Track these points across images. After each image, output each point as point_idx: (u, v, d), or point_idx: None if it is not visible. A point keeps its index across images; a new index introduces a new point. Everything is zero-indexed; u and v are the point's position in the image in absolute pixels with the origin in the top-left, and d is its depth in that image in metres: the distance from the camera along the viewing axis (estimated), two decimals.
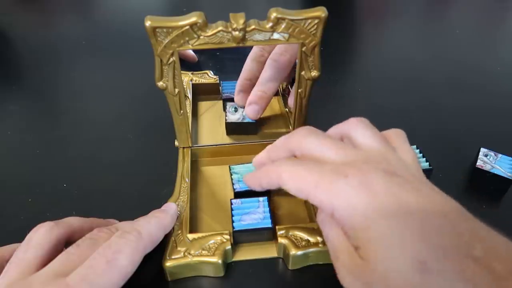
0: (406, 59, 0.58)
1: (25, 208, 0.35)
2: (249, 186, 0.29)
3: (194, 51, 0.54)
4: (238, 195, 0.33)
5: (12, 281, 0.23)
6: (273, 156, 0.28)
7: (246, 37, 0.29)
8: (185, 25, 0.28)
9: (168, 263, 0.28)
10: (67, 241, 0.26)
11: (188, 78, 0.47)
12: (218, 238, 0.30)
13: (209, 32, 0.29)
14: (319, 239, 0.30)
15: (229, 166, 0.35)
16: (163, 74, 0.31)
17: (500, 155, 0.38)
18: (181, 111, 0.35)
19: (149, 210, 0.30)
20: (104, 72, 0.53)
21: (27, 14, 0.70)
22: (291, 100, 0.40)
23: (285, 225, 0.31)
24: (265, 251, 0.31)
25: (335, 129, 0.27)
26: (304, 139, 0.26)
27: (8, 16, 0.68)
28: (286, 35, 0.30)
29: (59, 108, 0.48)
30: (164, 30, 0.28)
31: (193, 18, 0.28)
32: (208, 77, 0.48)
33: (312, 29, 0.30)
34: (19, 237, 0.26)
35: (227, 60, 0.55)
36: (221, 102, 0.44)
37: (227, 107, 0.42)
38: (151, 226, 0.27)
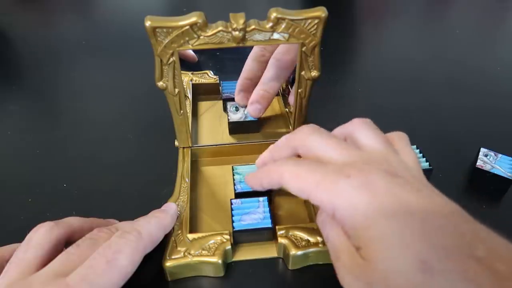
0: (406, 59, 0.58)
1: (25, 208, 0.35)
2: (251, 186, 0.29)
3: (194, 51, 0.54)
4: (239, 196, 0.33)
5: (12, 281, 0.23)
6: (276, 155, 0.28)
7: (246, 37, 0.29)
8: (185, 25, 0.28)
9: (168, 263, 0.28)
10: (67, 241, 0.26)
11: (188, 78, 0.47)
12: (218, 238, 0.30)
13: (209, 32, 0.29)
14: (319, 239, 0.30)
15: (232, 167, 0.35)
16: (163, 74, 0.31)
17: (500, 155, 0.38)
18: (181, 111, 0.35)
19: (149, 210, 0.30)
20: (104, 72, 0.53)
21: (27, 14, 0.70)
22: (291, 100, 0.40)
23: (285, 225, 0.31)
24: (265, 251, 0.31)
25: (339, 130, 0.28)
26: (308, 137, 0.26)
27: (8, 16, 0.68)
28: (286, 35, 0.30)
29: (59, 108, 0.48)
30: (164, 30, 0.28)
31: (193, 18, 0.28)
32: (208, 77, 0.48)
33: (312, 29, 0.30)
34: (19, 237, 0.26)
35: (227, 60, 0.55)
36: (221, 102, 0.45)
37: (228, 106, 0.42)
38: (151, 226, 0.27)
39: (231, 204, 0.32)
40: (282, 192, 0.36)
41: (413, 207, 0.21)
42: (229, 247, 0.29)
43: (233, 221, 0.30)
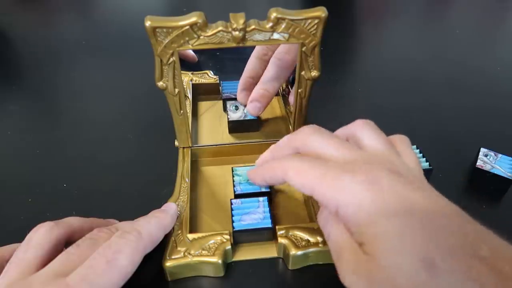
0: (406, 59, 0.58)
1: (25, 208, 0.35)
2: (253, 182, 0.29)
3: (194, 51, 0.54)
4: (239, 197, 0.33)
5: (12, 281, 0.23)
6: (277, 155, 0.28)
7: (246, 37, 0.29)
8: (185, 25, 0.28)
9: (168, 263, 0.28)
10: (67, 241, 0.26)
11: (188, 78, 0.47)
12: (218, 238, 0.30)
13: (209, 32, 0.29)
14: (319, 239, 0.30)
15: (232, 168, 0.35)
16: (163, 74, 0.31)
17: (500, 155, 0.38)
18: (181, 111, 0.35)
19: (149, 210, 0.30)
20: (104, 72, 0.53)
21: (27, 14, 0.70)
22: (291, 100, 0.40)
23: (285, 225, 0.31)
24: (265, 251, 0.31)
25: (341, 131, 0.28)
26: (309, 137, 0.26)
27: (8, 16, 0.68)
28: (286, 35, 0.30)
29: (59, 108, 0.48)
30: (164, 30, 0.28)
31: (193, 18, 0.28)
32: (208, 77, 0.48)
33: (312, 29, 0.30)
34: (19, 237, 0.26)
35: (227, 60, 0.55)
36: (221, 102, 0.45)
37: (228, 106, 0.42)
38: (151, 226, 0.27)
39: (231, 204, 0.32)
40: (282, 192, 0.36)
41: (417, 206, 0.21)
42: (229, 247, 0.29)
43: (233, 221, 0.30)
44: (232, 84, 0.44)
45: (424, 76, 0.53)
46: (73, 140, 0.42)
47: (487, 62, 0.58)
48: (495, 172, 0.36)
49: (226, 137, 0.41)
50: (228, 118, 0.41)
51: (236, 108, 0.41)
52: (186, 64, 0.53)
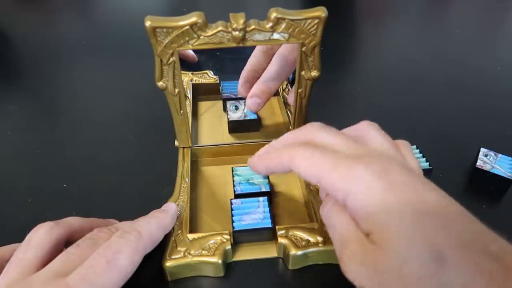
0: (406, 59, 0.58)
1: (25, 208, 0.35)
2: (253, 169, 0.28)
3: (194, 51, 0.54)
4: (239, 197, 0.33)
5: (12, 281, 0.23)
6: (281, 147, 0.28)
7: (246, 37, 0.29)
8: (185, 25, 0.28)
9: (168, 263, 0.28)
10: (67, 241, 0.26)
11: (188, 78, 0.47)
12: (218, 238, 0.30)
13: (209, 32, 0.29)
14: (319, 239, 0.30)
15: (232, 168, 0.35)
16: (163, 74, 0.31)
17: (500, 155, 0.38)
18: (181, 111, 0.35)
19: (149, 210, 0.30)
20: (104, 72, 0.53)
21: (27, 14, 0.70)
22: (291, 100, 0.40)
23: (285, 225, 0.31)
24: (265, 251, 0.31)
25: (346, 131, 0.27)
26: (316, 132, 0.25)
27: (8, 16, 0.68)
28: (286, 35, 0.30)
29: (59, 108, 0.48)
30: (164, 30, 0.28)
31: (193, 18, 0.28)
32: (208, 77, 0.48)
33: (312, 29, 0.30)
34: (19, 237, 0.26)
35: (227, 60, 0.55)
36: (221, 102, 0.45)
37: (228, 106, 0.42)
38: (151, 226, 0.27)
39: (231, 204, 0.32)
40: (282, 192, 0.36)
41: (429, 201, 0.21)
42: (229, 247, 0.29)
43: (233, 221, 0.30)
44: (232, 84, 0.44)
45: (424, 76, 0.53)
46: (73, 140, 0.42)
47: (487, 62, 0.58)
48: (495, 172, 0.36)
49: (226, 137, 0.41)
50: (228, 118, 0.41)
51: (236, 108, 0.41)
52: (186, 64, 0.53)
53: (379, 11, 0.76)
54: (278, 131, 0.42)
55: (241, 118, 0.40)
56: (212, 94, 0.47)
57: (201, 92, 0.47)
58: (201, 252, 0.29)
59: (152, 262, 0.28)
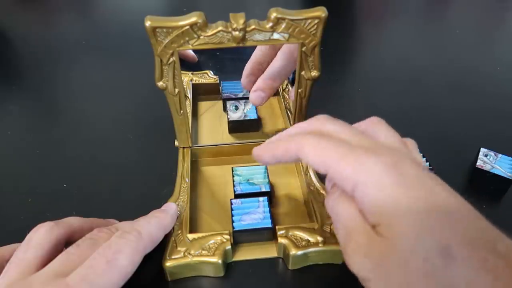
0: (406, 59, 0.58)
1: (25, 208, 0.35)
2: (258, 158, 0.27)
3: (194, 51, 0.54)
4: (239, 197, 0.33)
5: (12, 281, 0.23)
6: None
7: (246, 37, 0.29)
8: (185, 25, 0.28)
9: (168, 263, 0.28)
10: (67, 241, 0.26)
11: (188, 78, 0.47)
12: (218, 238, 0.30)
13: (209, 32, 0.29)
14: (319, 239, 0.30)
15: (232, 168, 0.35)
16: (163, 74, 0.31)
17: (500, 155, 0.38)
18: (181, 111, 0.35)
19: (149, 210, 0.30)
20: (104, 72, 0.53)
21: (27, 14, 0.70)
22: (292, 95, 0.40)
23: (285, 225, 0.31)
24: (265, 251, 0.31)
25: (354, 125, 0.27)
26: (325, 124, 0.25)
27: (8, 16, 0.68)
28: (286, 35, 0.30)
29: (59, 108, 0.48)
30: (164, 30, 0.28)
31: (193, 18, 0.28)
32: (208, 77, 0.48)
33: (312, 29, 0.30)
34: (19, 237, 0.26)
35: (227, 60, 0.55)
36: (221, 102, 0.45)
37: (228, 106, 0.42)
38: (151, 226, 0.27)
39: (231, 204, 0.32)
40: (282, 192, 0.36)
41: (439, 196, 0.21)
42: (229, 247, 0.29)
43: (233, 221, 0.30)
44: (232, 84, 0.44)
45: (423, 76, 0.53)
46: (73, 140, 0.42)
47: (487, 62, 0.58)
48: (495, 172, 0.36)
49: (226, 137, 0.41)
50: (228, 118, 0.41)
51: (236, 108, 0.41)
52: (186, 64, 0.53)
53: (379, 11, 0.76)
54: (278, 131, 0.42)
55: (241, 118, 0.40)
56: (212, 94, 0.47)
57: (201, 92, 0.47)
58: (201, 252, 0.29)
59: (152, 262, 0.28)
